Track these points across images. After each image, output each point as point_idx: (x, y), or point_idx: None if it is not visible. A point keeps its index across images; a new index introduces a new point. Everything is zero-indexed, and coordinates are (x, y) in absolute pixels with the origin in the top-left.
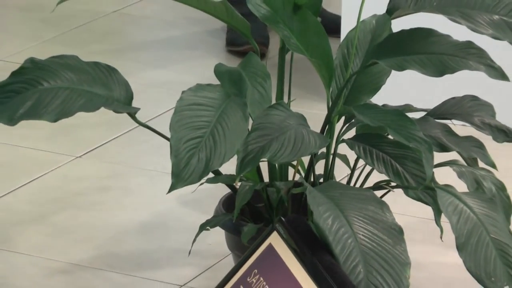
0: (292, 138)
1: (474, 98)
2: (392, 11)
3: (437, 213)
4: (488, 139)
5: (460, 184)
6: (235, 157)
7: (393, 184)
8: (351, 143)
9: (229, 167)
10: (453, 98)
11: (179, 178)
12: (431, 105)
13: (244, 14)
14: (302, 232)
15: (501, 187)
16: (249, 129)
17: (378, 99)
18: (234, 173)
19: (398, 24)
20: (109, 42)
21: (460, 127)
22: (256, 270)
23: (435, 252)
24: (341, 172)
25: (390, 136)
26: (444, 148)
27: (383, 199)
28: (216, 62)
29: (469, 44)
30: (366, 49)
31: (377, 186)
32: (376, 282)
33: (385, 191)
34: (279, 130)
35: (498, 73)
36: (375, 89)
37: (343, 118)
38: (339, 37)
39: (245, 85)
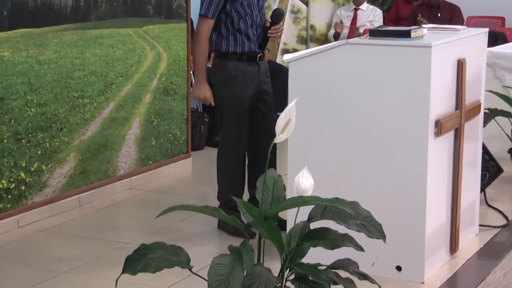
0: (264, 279)
1: (349, 259)
2: (310, 219)
3: None
4: (355, 278)
5: None
6: None
7: None
8: (293, 281)
9: None
10: (339, 259)
11: None
12: (329, 262)
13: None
14: None
15: None
16: (244, 275)
17: (305, 259)
18: None
19: (314, 225)
20: (175, 234)
21: (343, 273)
22: None
23: None
24: None
25: (310, 278)
26: (335, 283)
27: None
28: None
29: (346, 235)
30: (298, 237)
31: None
32: None
33: None
34: (258, 276)
35: (359, 248)
36: (303, 255)
37: (288, 269)
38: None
39: (242, 255)
